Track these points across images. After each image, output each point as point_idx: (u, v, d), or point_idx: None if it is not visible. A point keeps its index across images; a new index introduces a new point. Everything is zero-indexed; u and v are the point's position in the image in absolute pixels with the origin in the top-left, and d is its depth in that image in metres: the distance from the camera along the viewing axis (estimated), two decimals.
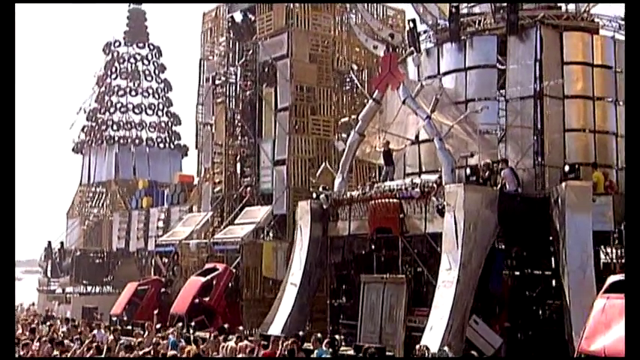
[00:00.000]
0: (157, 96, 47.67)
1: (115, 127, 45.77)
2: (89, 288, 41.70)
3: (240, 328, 18.96)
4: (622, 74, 20.92)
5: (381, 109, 21.01)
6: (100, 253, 41.91)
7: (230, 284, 24.50)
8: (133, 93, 46.75)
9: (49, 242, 43.17)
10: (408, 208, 18.38)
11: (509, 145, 19.69)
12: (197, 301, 23.40)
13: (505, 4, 20.17)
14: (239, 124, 29.35)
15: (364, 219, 19.78)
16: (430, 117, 18.72)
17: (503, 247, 18.10)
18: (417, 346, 14.93)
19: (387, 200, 18.97)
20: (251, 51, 28.42)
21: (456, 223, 16.67)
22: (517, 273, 19.00)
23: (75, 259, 40.61)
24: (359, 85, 25.18)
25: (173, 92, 48.48)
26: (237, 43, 29.87)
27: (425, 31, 21.82)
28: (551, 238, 17.37)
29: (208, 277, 24.02)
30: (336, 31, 28.34)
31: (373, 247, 19.94)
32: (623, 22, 21.29)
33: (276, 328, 19.83)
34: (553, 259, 18.07)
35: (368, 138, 21.40)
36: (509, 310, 18.10)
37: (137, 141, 45.89)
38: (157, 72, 48.14)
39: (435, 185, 17.87)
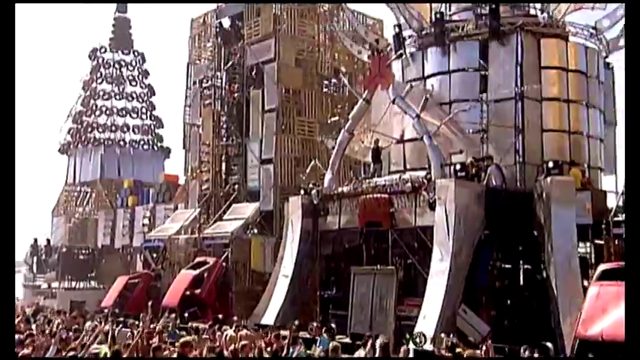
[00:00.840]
0: (140, 100, 46.68)
1: (100, 130, 44.64)
2: (73, 283, 40.32)
3: (235, 318, 18.31)
4: (592, 79, 20.98)
5: (369, 109, 20.52)
6: (85, 250, 40.51)
7: (220, 277, 23.64)
8: (118, 97, 45.76)
9: (35, 239, 41.61)
10: (399, 203, 17.93)
11: (491, 144, 19.36)
12: (188, 293, 22.56)
13: (487, 12, 19.96)
14: (224, 125, 28.59)
15: (354, 213, 19.26)
16: (419, 116, 18.31)
17: (489, 239, 17.62)
18: (414, 333, 14.46)
19: (377, 195, 18.48)
20: (239, 55, 27.70)
21: (447, 216, 16.28)
22: (501, 264, 18.60)
23: (61, 255, 39.16)
24: (349, 87, 24.52)
25: (156, 96, 47.65)
26: (223, 48, 29.12)
27: (410, 36, 21.40)
28: (535, 233, 17.00)
29: (199, 270, 23.19)
30: (319, 37, 27.79)
31: (362, 240, 19.32)
32: (593, 31, 21.32)
33: (269, 319, 19.24)
34: (536, 250, 17.74)
35: (356, 136, 20.88)
36: (495, 299, 17.73)
37: (122, 143, 44.85)
38: (140, 77, 47.16)
39: (425, 180, 17.47)
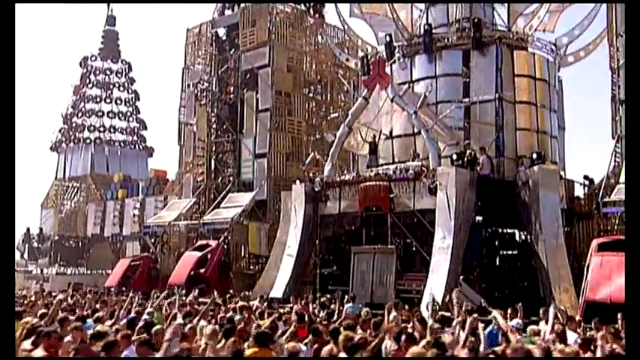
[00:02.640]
0: (127, 104, 44.56)
1: (90, 130, 42.30)
2: (63, 269, 37.84)
3: (248, 293, 17.22)
4: (552, 87, 21.00)
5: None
6: (75, 238, 38.11)
7: (221, 258, 22.36)
8: (108, 100, 43.54)
9: (28, 228, 38.92)
10: (400, 189, 17.24)
11: (473, 139, 18.97)
12: (193, 272, 21.20)
13: (469, 25, 19.69)
14: (214, 123, 27.28)
15: (354, 199, 18.45)
16: (417, 112, 17.74)
17: (479, 221, 17.16)
18: (430, 299, 13.80)
19: (378, 182, 17.75)
20: (234, 60, 26.53)
21: (448, 199, 15.72)
22: (489, 242, 18.22)
23: (53, 243, 36.71)
24: (348, 88, 23.62)
25: (141, 101, 45.65)
26: (217, 55, 27.83)
27: (399, 45, 20.82)
28: (521, 215, 16.65)
29: (204, 252, 21.86)
30: (306, 48, 26.98)
31: (362, 223, 18.49)
32: (554, 47, 21.36)
33: (277, 293, 18.20)
34: (520, 230, 17.49)
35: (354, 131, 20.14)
36: (484, 273, 17.29)
37: (110, 142, 42.62)
38: (127, 84, 45.13)
39: (424, 168, 16.88)
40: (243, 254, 23.37)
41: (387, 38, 20.72)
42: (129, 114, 44.47)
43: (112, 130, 43.22)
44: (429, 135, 17.31)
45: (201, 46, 28.61)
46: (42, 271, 36.71)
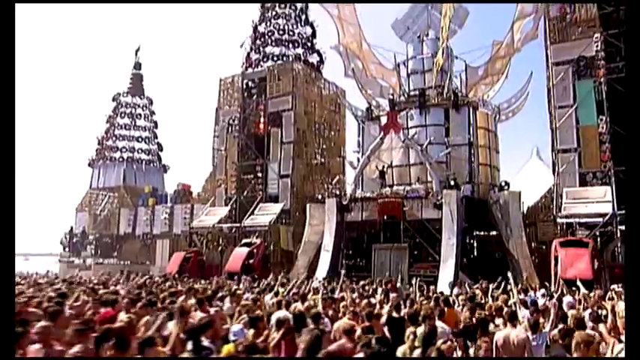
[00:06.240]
0: (148, 132, 43.58)
1: (122, 150, 41.03)
2: (101, 260, 36.40)
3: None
4: (496, 136, 23.46)
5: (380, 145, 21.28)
6: (110, 236, 36.78)
7: (263, 253, 22.92)
8: (134, 128, 42.36)
9: (71, 227, 37.12)
10: (413, 204, 18.82)
11: (453, 171, 20.86)
12: (245, 263, 21.67)
13: (448, 91, 21.80)
14: (238, 151, 27.76)
15: (373, 210, 19.77)
16: (422, 150, 19.47)
17: (465, 228, 19.03)
18: (447, 283, 15.26)
19: (393, 199, 19.25)
20: (263, 105, 27.35)
21: (451, 212, 17.49)
22: (472, 242, 20.13)
23: (95, 239, 35.31)
24: (362, 127, 24.65)
25: (158, 129, 44.72)
26: (245, 99, 28.52)
27: (399, 101, 22.55)
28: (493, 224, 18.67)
29: (251, 247, 22.36)
30: (314, 97, 28.23)
31: (381, 228, 19.84)
32: (498, 109, 23.88)
33: (321, 277, 19.00)
34: (490, 233, 19.46)
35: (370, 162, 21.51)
36: (470, 264, 19.12)
37: (138, 160, 41.49)
38: (148, 116, 44.12)
39: (430, 190, 18.59)
40: (276, 250, 23.97)
41: (390, 96, 22.44)
42: (149, 139, 43.51)
43: (137, 152, 42.11)
44: (432, 166, 19.09)
45: (232, 92, 29.12)
46: (84, 261, 35.19)
